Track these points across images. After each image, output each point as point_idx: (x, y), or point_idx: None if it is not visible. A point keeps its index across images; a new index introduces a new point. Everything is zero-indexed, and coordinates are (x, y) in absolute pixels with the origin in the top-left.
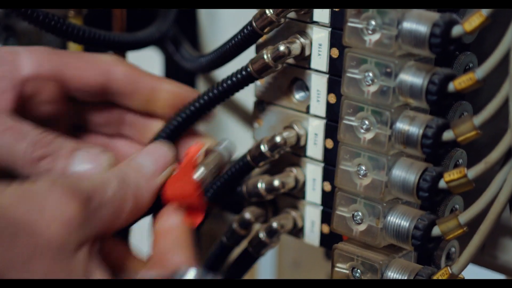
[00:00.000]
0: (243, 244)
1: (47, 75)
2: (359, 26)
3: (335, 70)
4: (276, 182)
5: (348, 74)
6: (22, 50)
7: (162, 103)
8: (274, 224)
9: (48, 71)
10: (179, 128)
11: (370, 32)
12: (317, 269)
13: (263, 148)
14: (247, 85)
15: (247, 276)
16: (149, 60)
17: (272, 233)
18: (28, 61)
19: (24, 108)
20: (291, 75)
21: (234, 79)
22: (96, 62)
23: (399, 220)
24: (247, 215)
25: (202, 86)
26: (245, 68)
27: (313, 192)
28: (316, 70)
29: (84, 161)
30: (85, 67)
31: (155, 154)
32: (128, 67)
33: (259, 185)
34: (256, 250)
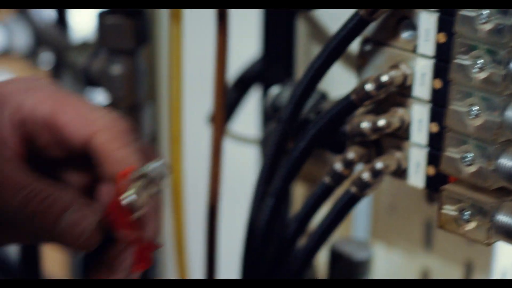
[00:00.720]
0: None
1: (42, 118)
2: None
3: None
4: (381, 122)
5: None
6: (28, 89)
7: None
8: (379, 165)
9: (43, 115)
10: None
11: None
12: (415, 212)
13: (369, 87)
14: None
15: (344, 223)
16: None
17: (376, 174)
18: (30, 101)
19: (33, 152)
20: (398, 14)
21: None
22: (89, 121)
23: None
24: (351, 154)
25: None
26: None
27: (419, 133)
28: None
29: (71, 223)
30: (76, 119)
31: None
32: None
33: (364, 124)
34: (360, 190)
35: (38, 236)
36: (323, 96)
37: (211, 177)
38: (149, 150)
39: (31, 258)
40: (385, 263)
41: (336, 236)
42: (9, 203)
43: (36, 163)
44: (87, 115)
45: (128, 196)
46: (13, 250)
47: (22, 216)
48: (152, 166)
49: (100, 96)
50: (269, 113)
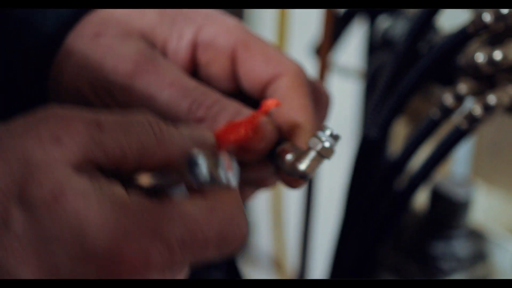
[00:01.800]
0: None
1: (222, 50)
2: None
3: None
4: (498, 55)
5: None
6: (215, 16)
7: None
8: (492, 99)
9: (225, 45)
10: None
11: None
12: None
13: (487, 18)
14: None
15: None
16: None
17: (488, 109)
18: (213, 28)
19: (197, 74)
20: None
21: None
22: (276, 62)
23: None
24: (462, 87)
25: None
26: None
27: None
28: None
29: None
30: (261, 57)
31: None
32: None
33: (479, 57)
34: (470, 125)
35: None
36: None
37: None
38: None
39: None
40: (485, 203)
41: (437, 175)
42: (178, 106)
43: None
44: (274, 55)
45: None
46: None
47: (190, 121)
48: (327, 140)
49: None
50: (378, 45)
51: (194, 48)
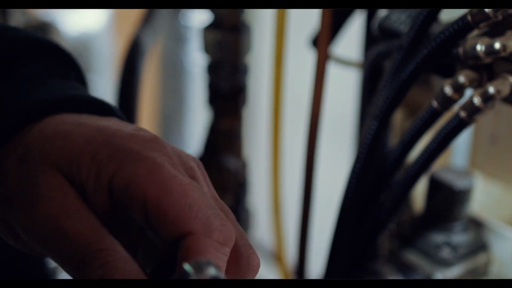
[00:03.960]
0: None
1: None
2: None
3: None
4: (497, 45)
5: None
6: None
7: None
8: (491, 89)
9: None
10: None
11: None
12: None
13: (487, 9)
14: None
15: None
16: None
17: (488, 99)
18: (124, 175)
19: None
20: None
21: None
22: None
23: None
24: (461, 78)
25: None
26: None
27: None
28: None
29: None
30: (170, 224)
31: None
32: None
33: (478, 47)
34: (469, 115)
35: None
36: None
37: (314, 99)
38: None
39: None
40: (483, 194)
41: (435, 166)
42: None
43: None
44: (183, 213)
45: None
46: None
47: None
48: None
49: None
50: (376, 36)
51: (111, 191)
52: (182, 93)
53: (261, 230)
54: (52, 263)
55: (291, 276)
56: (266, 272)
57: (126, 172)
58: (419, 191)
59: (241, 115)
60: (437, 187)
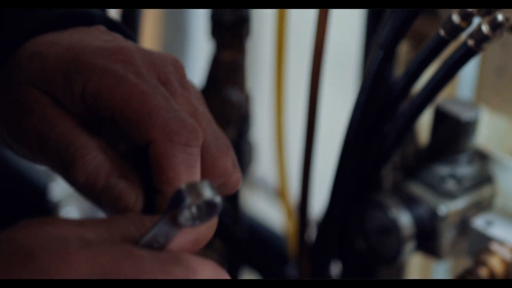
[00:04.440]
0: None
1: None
2: None
3: None
4: None
5: None
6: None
7: None
8: (499, 17)
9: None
10: None
11: None
12: None
13: None
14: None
15: (449, 85)
16: None
17: (496, 26)
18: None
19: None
20: None
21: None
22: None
23: None
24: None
25: None
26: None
27: None
28: None
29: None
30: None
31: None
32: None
33: None
34: (477, 43)
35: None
36: None
37: (318, 30)
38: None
39: None
40: (488, 128)
41: (441, 97)
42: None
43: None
44: (150, 116)
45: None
46: None
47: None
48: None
49: None
50: None
51: (84, 102)
52: (184, 25)
53: (264, 165)
54: (54, 196)
55: (294, 212)
56: (268, 208)
57: (93, 86)
58: (424, 123)
59: (245, 47)
60: (442, 119)
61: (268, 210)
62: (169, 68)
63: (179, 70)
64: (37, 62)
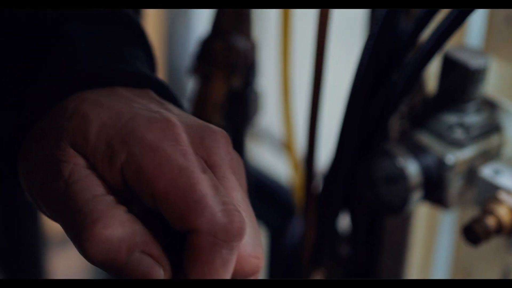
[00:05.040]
0: None
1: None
2: None
3: None
4: None
5: None
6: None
7: None
8: None
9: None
10: None
11: None
12: None
13: None
14: None
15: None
16: None
17: None
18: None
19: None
20: None
21: None
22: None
23: None
24: None
25: None
26: None
27: None
28: None
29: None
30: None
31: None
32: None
33: None
34: None
35: None
36: None
37: None
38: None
39: None
40: (496, 76)
41: (449, 45)
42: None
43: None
44: (197, 206)
45: None
46: None
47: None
48: None
49: None
50: None
51: (123, 176)
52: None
53: (270, 116)
54: None
55: (300, 164)
56: (274, 160)
57: (136, 161)
58: (432, 72)
59: None
60: (451, 66)
61: (274, 162)
62: (219, 150)
63: (229, 149)
64: (80, 122)
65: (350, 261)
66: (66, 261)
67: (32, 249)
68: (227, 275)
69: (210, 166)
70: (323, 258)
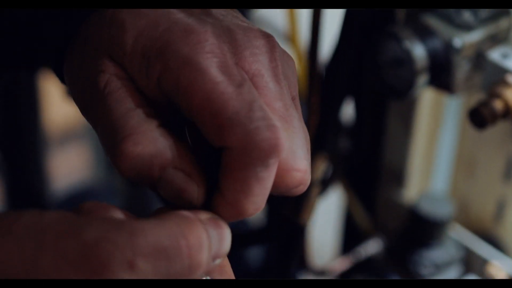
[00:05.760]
0: None
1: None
2: None
3: None
4: None
5: None
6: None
7: None
8: None
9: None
10: None
11: None
12: None
13: None
14: None
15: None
16: None
17: None
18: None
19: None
20: None
21: None
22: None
23: None
24: None
25: None
26: None
27: None
28: None
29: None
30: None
31: None
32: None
33: None
34: None
35: None
36: None
37: None
38: None
39: None
40: None
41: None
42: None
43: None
44: (230, 123)
45: None
46: None
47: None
48: None
49: None
50: None
51: (160, 87)
52: None
53: (274, 12)
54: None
55: (304, 56)
56: None
57: (173, 75)
58: None
59: None
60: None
61: None
62: (261, 57)
63: (274, 55)
64: (117, 32)
65: (354, 151)
66: (66, 161)
67: (32, 147)
68: (264, 192)
69: (251, 75)
70: (326, 143)
